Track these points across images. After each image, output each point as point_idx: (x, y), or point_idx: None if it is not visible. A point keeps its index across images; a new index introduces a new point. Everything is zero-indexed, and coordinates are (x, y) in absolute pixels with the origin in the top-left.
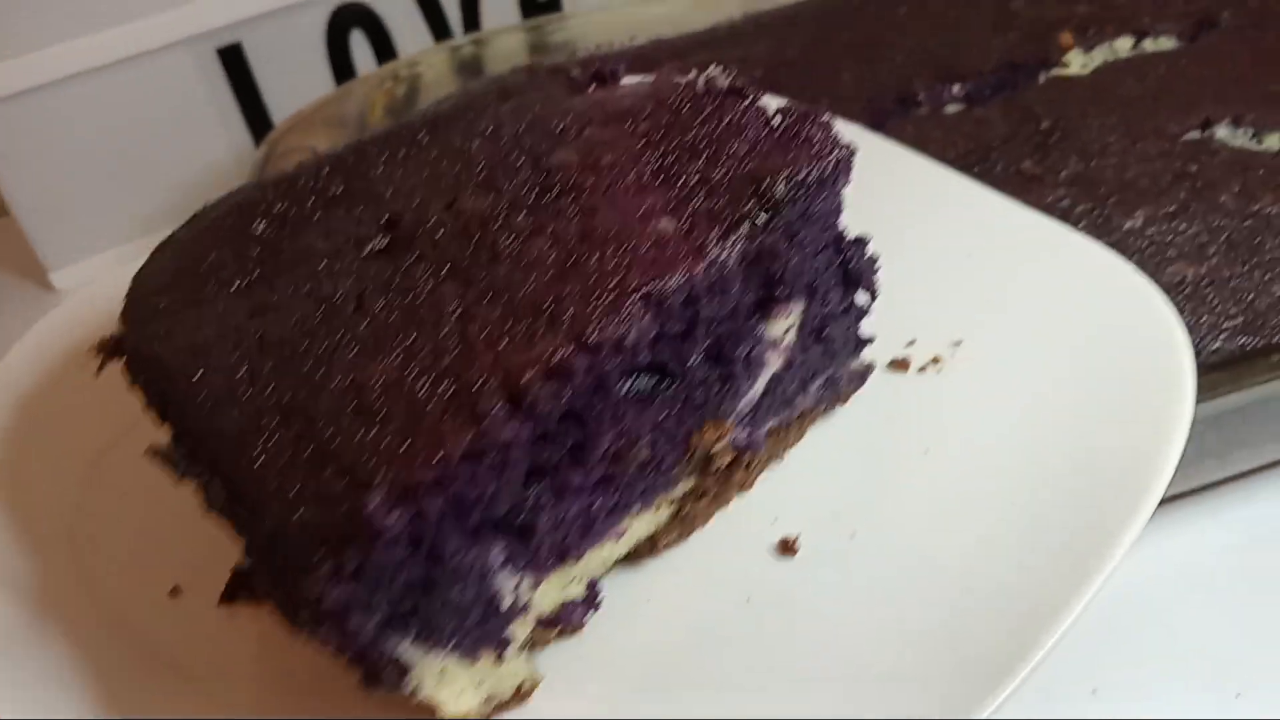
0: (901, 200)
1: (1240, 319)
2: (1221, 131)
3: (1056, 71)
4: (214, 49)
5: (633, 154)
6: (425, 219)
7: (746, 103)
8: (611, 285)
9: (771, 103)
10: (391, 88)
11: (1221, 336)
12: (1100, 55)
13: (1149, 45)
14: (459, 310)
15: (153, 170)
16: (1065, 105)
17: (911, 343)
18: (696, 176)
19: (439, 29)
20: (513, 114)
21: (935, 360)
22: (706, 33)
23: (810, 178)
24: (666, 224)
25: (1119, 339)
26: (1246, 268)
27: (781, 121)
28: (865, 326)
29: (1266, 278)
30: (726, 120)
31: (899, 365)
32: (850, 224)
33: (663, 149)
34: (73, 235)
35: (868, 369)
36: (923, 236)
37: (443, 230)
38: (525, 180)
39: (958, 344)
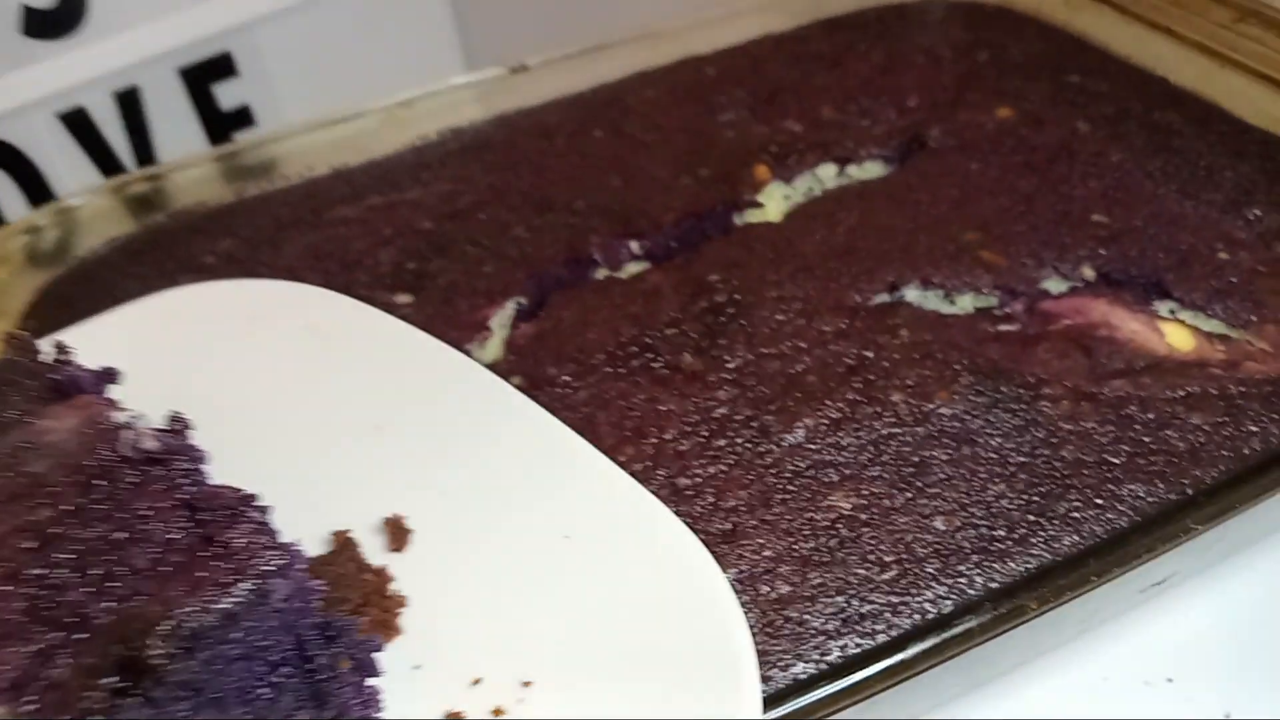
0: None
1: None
2: (912, 294)
3: (750, 215)
4: None
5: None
6: None
7: (170, 476)
8: None
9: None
10: (31, 241)
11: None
12: (803, 186)
13: (855, 172)
14: None
15: None
16: (747, 268)
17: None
18: (75, 619)
19: (100, 154)
20: None
21: (497, 713)
22: (393, 160)
23: (213, 612)
24: None
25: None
26: (909, 495)
27: (205, 516)
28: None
29: (929, 507)
30: (140, 509)
31: None
32: None
33: (47, 569)
34: None
35: None
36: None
37: None
38: None
39: (526, 685)
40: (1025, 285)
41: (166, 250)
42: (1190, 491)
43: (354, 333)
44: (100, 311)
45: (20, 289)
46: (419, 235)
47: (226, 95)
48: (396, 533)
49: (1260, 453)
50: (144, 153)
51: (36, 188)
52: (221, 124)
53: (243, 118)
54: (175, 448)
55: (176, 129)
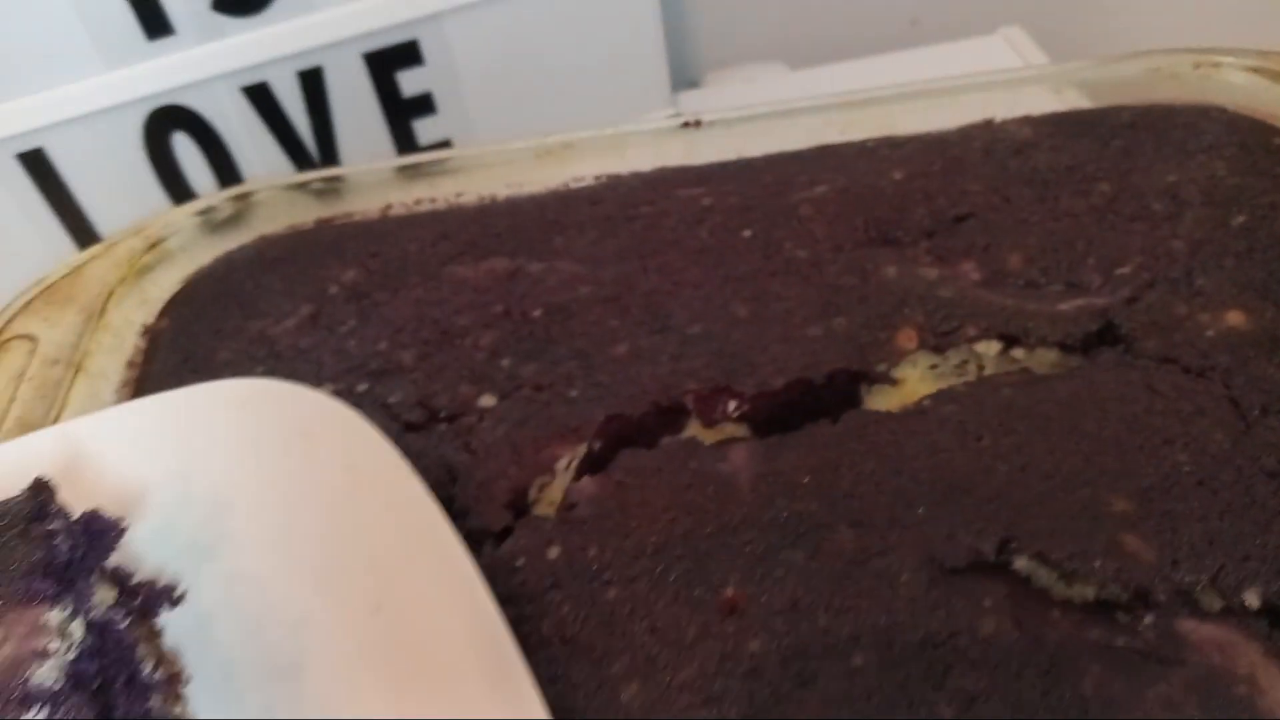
0: None
1: None
2: (1021, 562)
3: (877, 394)
4: (13, 154)
5: None
6: None
7: None
8: None
9: None
10: (144, 256)
11: None
12: (953, 361)
13: (1020, 356)
14: None
15: None
16: (839, 475)
17: None
18: None
19: (282, 130)
20: None
21: None
22: (536, 207)
23: None
24: None
25: None
26: None
27: None
28: None
29: None
30: None
31: None
32: None
33: None
34: None
35: None
36: None
37: None
38: None
39: None
40: (1168, 595)
41: (303, 264)
42: None
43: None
44: (224, 318)
45: (169, 277)
46: (527, 324)
47: (409, 82)
48: None
49: None
50: (323, 131)
51: (219, 155)
52: (402, 109)
53: (424, 105)
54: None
55: (357, 110)
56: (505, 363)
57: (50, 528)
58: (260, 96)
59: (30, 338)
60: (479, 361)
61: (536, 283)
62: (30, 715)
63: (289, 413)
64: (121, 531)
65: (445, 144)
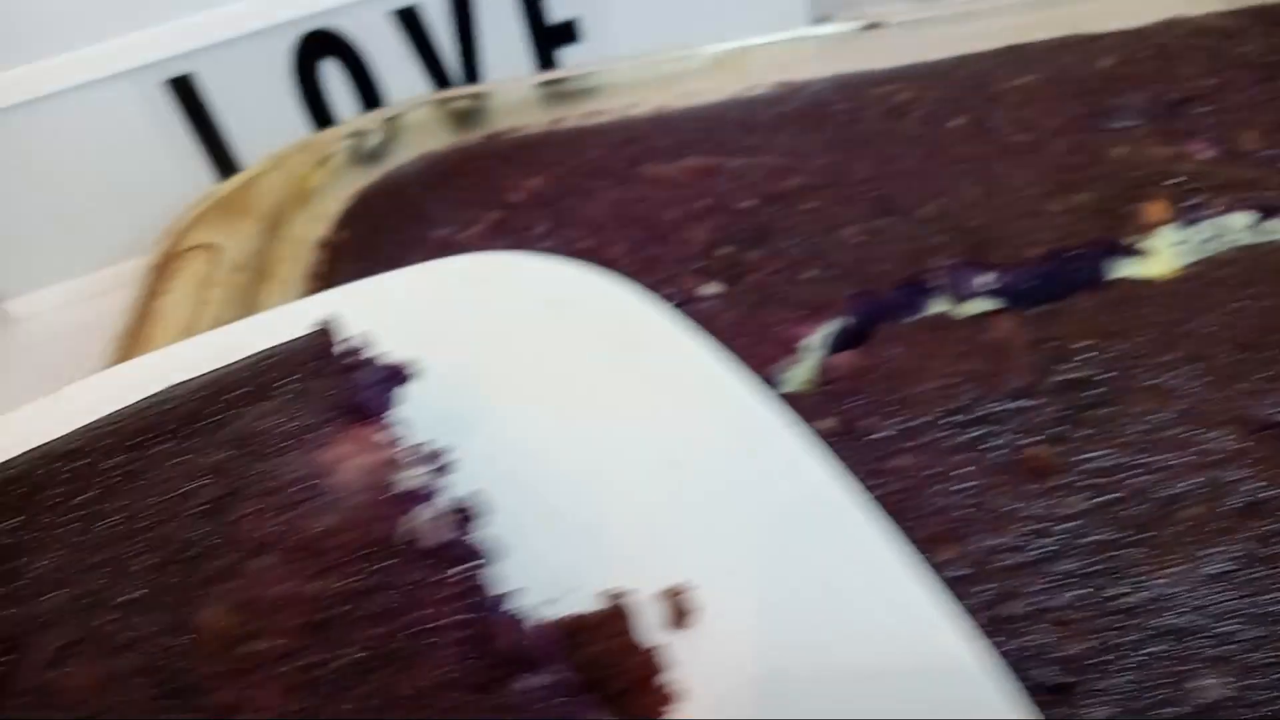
0: None
1: None
2: None
3: (1128, 265)
4: (161, 80)
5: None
6: None
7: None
8: None
9: None
10: (354, 144)
11: None
12: (1203, 236)
13: (1275, 228)
14: None
15: (110, 202)
16: (1123, 338)
17: None
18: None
19: (428, 57)
20: (218, 471)
21: None
22: (718, 112)
23: None
24: None
25: None
26: None
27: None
28: None
29: None
30: (419, 623)
31: None
32: None
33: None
34: (28, 265)
35: None
36: None
37: None
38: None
39: None
40: None
41: (477, 177)
42: None
43: (656, 347)
44: (404, 229)
45: (336, 193)
46: (738, 215)
47: (557, 7)
48: (679, 606)
49: None
50: (469, 58)
51: (364, 82)
52: (548, 36)
53: (569, 32)
54: (464, 551)
55: (503, 36)
56: (725, 251)
57: (347, 363)
58: (410, 21)
59: (210, 246)
60: (695, 251)
61: (740, 176)
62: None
63: (542, 280)
64: (408, 376)
65: (590, 74)
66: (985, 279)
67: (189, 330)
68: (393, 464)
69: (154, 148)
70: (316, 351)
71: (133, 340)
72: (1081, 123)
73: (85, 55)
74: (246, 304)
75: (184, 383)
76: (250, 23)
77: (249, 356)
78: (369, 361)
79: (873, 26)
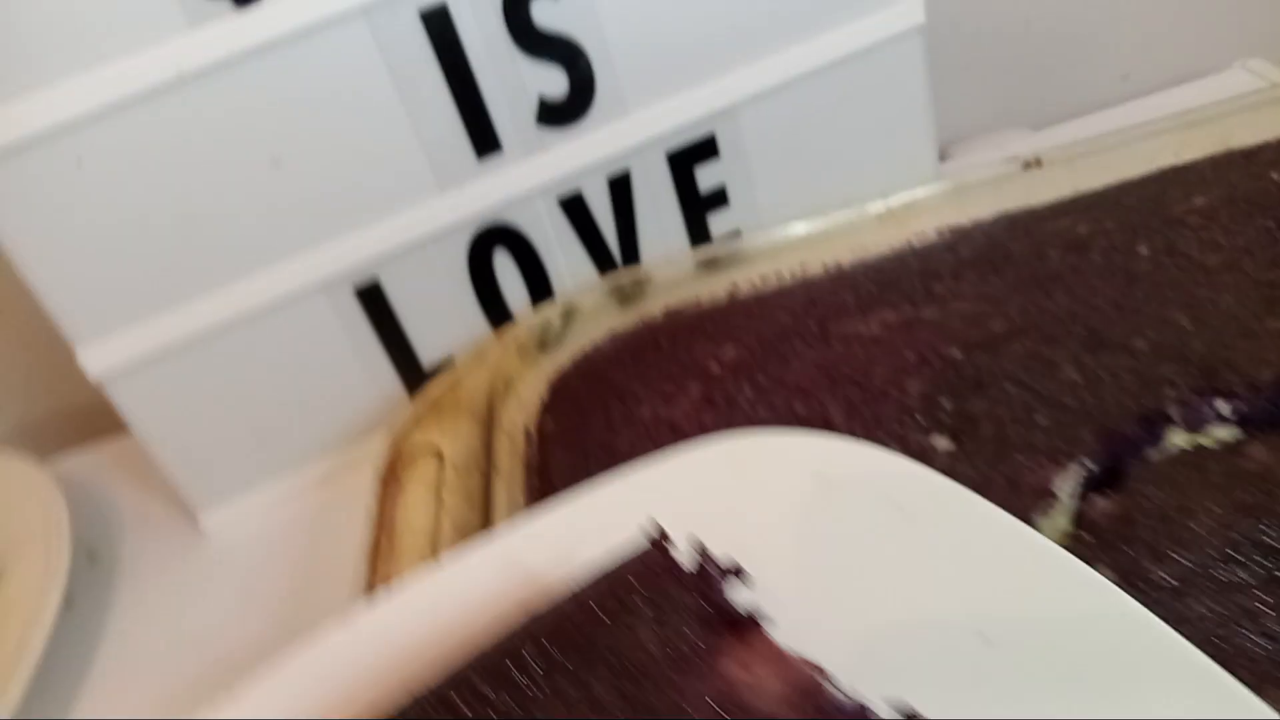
0: None
1: None
2: None
3: None
4: (352, 289)
5: None
6: None
7: None
8: None
9: None
10: (541, 331)
11: None
12: None
13: None
14: None
15: (297, 409)
16: None
17: None
18: None
19: (590, 236)
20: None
21: None
22: (892, 264)
23: None
24: None
25: None
26: None
27: None
28: None
29: None
30: None
31: None
32: None
33: None
34: (219, 477)
35: None
36: None
37: None
38: None
39: None
40: None
41: (668, 351)
42: None
43: (935, 511)
44: (608, 409)
45: (535, 381)
46: (948, 365)
47: (706, 177)
48: None
49: None
50: (627, 234)
51: (531, 265)
52: (698, 204)
53: (718, 199)
54: None
55: (658, 210)
56: (945, 403)
57: (700, 574)
58: (574, 207)
59: (432, 449)
60: (915, 407)
61: (939, 326)
62: None
63: (806, 457)
64: (745, 577)
65: (736, 234)
66: (1222, 407)
67: (432, 537)
68: (811, 681)
69: (340, 353)
70: (658, 564)
71: (383, 553)
72: (1271, 236)
73: (279, 271)
74: (477, 502)
75: (537, 615)
76: (431, 223)
77: (586, 577)
78: (722, 569)
79: (1034, 164)
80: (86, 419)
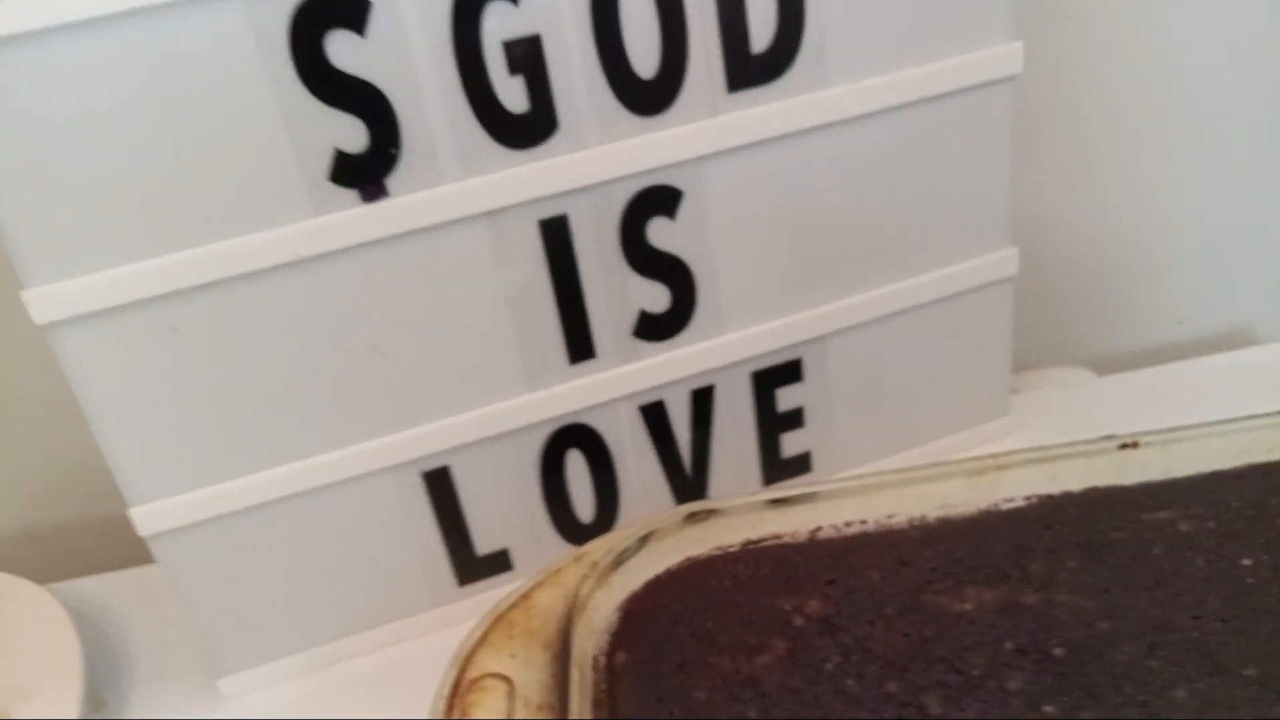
0: None
1: None
2: None
3: None
4: (419, 473)
5: None
6: None
7: None
8: None
9: None
10: (616, 555)
11: None
12: None
13: None
14: None
15: (338, 582)
16: None
17: None
18: None
19: (664, 444)
20: None
21: None
22: (982, 528)
23: None
24: None
25: None
26: None
27: None
28: None
29: None
30: None
31: None
32: None
33: None
34: (245, 643)
35: None
36: None
37: None
38: None
39: None
40: None
41: (748, 593)
42: None
43: None
44: (683, 650)
45: (605, 606)
46: (1052, 664)
47: (786, 397)
48: None
49: None
50: (700, 444)
51: (603, 470)
52: (775, 422)
53: (794, 419)
54: None
55: (734, 424)
56: (1050, 710)
57: None
58: (654, 414)
59: (505, 678)
60: (1017, 708)
61: (1041, 616)
62: None
63: None
64: None
65: (806, 456)
66: None
67: None
68: None
69: (396, 533)
70: None
71: None
72: None
73: (354, 450)
74: None
75: None
76: (513, 420)
77: None
78: None
79: (1130, 445)
80: (107, 546)
